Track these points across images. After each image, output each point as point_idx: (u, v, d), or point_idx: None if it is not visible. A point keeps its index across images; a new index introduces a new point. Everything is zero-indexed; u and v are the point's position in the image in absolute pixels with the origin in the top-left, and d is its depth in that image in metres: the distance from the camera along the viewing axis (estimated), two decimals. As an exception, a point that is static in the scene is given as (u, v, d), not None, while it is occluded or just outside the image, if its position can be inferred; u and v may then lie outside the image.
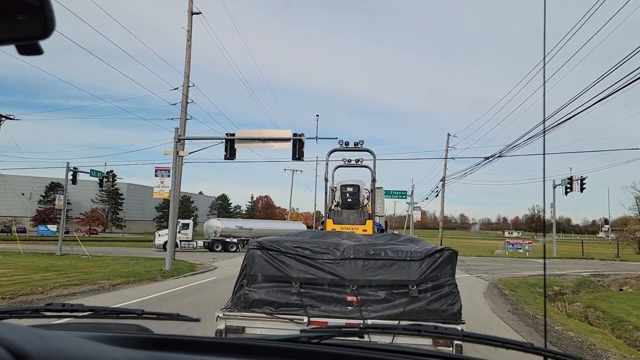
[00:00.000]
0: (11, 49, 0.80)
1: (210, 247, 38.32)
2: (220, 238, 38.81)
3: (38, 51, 0.81)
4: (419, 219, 53.85)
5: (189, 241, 38.07)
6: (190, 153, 21.97)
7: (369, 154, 13.27)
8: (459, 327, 4.04)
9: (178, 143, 20.57)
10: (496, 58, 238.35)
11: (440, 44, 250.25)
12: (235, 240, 39.18)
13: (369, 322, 4.22)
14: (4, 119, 25.78)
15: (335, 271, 4.63)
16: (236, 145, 19.66)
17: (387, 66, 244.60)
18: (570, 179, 36.09)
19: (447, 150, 41.21)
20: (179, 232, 37.95)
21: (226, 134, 19.92)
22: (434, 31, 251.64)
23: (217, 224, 39.73)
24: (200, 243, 38.55)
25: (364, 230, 11.24)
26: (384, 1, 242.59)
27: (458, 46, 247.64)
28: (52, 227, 55.55)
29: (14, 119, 26.42)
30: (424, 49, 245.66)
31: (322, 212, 15.66)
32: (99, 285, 14.49)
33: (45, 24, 0.76)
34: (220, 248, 38.18)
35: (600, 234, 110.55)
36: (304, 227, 45.14)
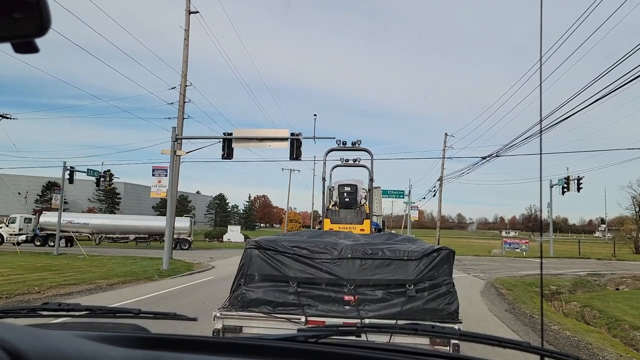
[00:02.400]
0: (7, 46, 0.80)
1: (31, 241, 37.22)
2: (43, 233, 37.26)
3: (34, 49, 0.81)
4: (417, 219, 54.03)
5: (14, 235, 37.15)
6: (187, 152, 21.93)
7: (367, 153, 13.27)
8: (456, 327, 4.06)
9: (175, 142, 20.53)
10: (494, 58, 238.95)
11: (439, 45, 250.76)
12: (64, 234, 36.93)
13: (367, 321, 4.23)
14: (0, 117, 25.67)
15: (333, 271, 4.63)
16: (234, 145, 19.64)
17: (386, 67, 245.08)
18: (567, 178, 36.27)
19: (444, 150, 41.31)
20: (7, 226, 37.50)
21: (224, 134, 19.89)
22: (433, 32, 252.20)
23: (40, 218, 38.05)
24: (23, 237, 37.16)
25: (362, 230, 11.24)
26: (384, 2, 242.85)
27: (457, 47, 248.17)
28: (49, 227, 55.24)
29: (11, 118, 26.32)
30: (423, 50, 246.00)
31: (320, 212, 15.65)
32: (96, 285, 14.45)
33: (41, 22, 0.76)
34: (40, 243, 36.63)
35: (597, 234, 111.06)
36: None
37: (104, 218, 43.06)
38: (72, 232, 37.34)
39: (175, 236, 38.45)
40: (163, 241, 39.11)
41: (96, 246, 37.51)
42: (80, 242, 38.53)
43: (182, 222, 40.33)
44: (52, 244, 36.61)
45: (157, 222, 40.74)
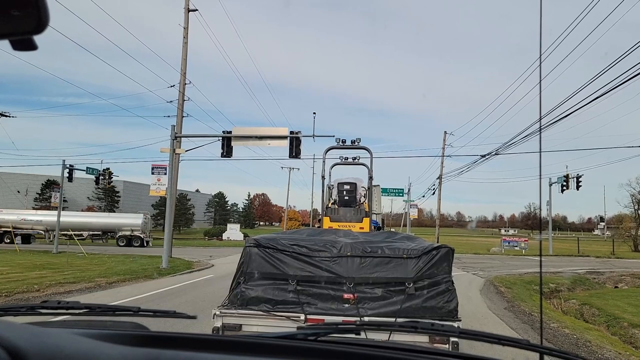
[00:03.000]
0: (5, 44, 0.80)
1: None
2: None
3: (32, 46, 0.80)
4: (416, 217, 54.02)
5: None
6: (186, 151, 21.94)
7: (366, 151, 13.25)
8: (456, 324, 4.07)
9: (174, 141, 20.51)
10: (494, 57, 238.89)
11: (439, 44, 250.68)
12: (19, 231, 37.37)
13: (366, 319, 4.23)
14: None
15: (332, 269, 4.63)
16: (233, 143, 19.62)
17: (385, 65, 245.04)
18: (567, 176, 36.26)
19: (444, 148, 41.31)
20: None
21: (223, 132, 19.87)
22: (432, 31, 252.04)
23: None
24: None
25: (361, 228, 11.24)
26: (384, 1, 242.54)
27: (456, 46, 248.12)
28: (48, 225, 55.13)
29: (10, 116, 26.28)
30: (422, 49, 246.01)
31: (319, 210, 15.66)
32: (96, 283, 14.45)
33: (39, 19, 0.76)
34: None
35: (596, 232, 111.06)
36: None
37: (57, 215, 42.71)
38: (27, 229, 37.42)
39: (127, 233, 38.05)
40: (115, 239, 38.62)
41: (50, 243, 37.10)
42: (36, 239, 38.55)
43: (133, 219, 39.52)
44: (8, 240, 36.76)
45: (111, 220, 40.34)
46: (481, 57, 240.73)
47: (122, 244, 37.21)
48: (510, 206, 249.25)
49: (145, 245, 37.50)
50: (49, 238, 38.95)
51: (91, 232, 39.88)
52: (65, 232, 38.94)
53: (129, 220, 39.42)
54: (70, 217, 40.78)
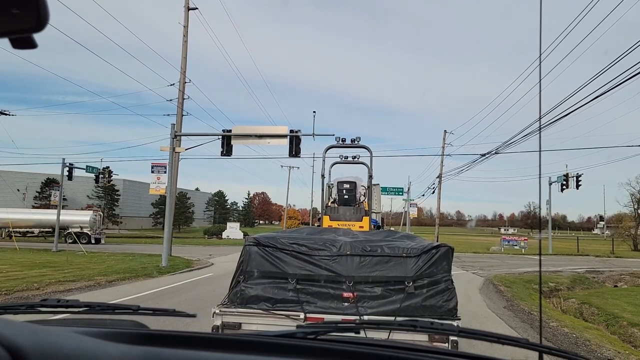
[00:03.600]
0: (5, 42, 0.80)
1: None
2: None
3: (32, 45, 0.80)
4: (415, 216, 54.04)
5: None
6: (186, 149, 21.91)
7: (366, 150, 13.25)
8: (455, 323, 4.06)
9: (174, 139, 20.50)
10: (494, 56, 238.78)
11: (439, 43, 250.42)
12: None
13: (365, 318, 4.23)
14: (-1, 114, 25.61)
15: (332, 267, 4.63)
16: (233, 142, 19.62)
17: (385, 64, 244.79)
18: (566, 175, 36.24)
19: (443, 147, 41.29)
20: None
21: (223, 130, 19.86)
22: (432, 30, 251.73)
23: None
24: None
25: (361, 227, 11.25)
26: (383, 1, 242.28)
27: (456, 45, 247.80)
28: (47, 223, 54.95)
29: (9, 115, 26.25)
30: (422, 47, 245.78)
31: (319, 209, 15.66)
32: (95, 282, 14.46)
33: (38, 18, 0.76)
34: None
35: (596, 231, 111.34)
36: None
37: (6, 213, 40.78)
38: None
39: (75, 230, 37.34)
40: (63, 236, 37.37)
41: (3, 240, 36.52)
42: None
43: (82, 216, 39.23)
44: None
45: (60, 216, 40.12)
46: (481, 55, 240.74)
47: (70, 241, 36.33)
48: (510, 205, 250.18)
49: (94, 242, 36.93)
50: (1, 235, 38.82)
51: (42, 229, 39.44)
52: (17, 230, 38.69)
53: (77, 217, 39.15)
54: (20, 215, 40.36)
